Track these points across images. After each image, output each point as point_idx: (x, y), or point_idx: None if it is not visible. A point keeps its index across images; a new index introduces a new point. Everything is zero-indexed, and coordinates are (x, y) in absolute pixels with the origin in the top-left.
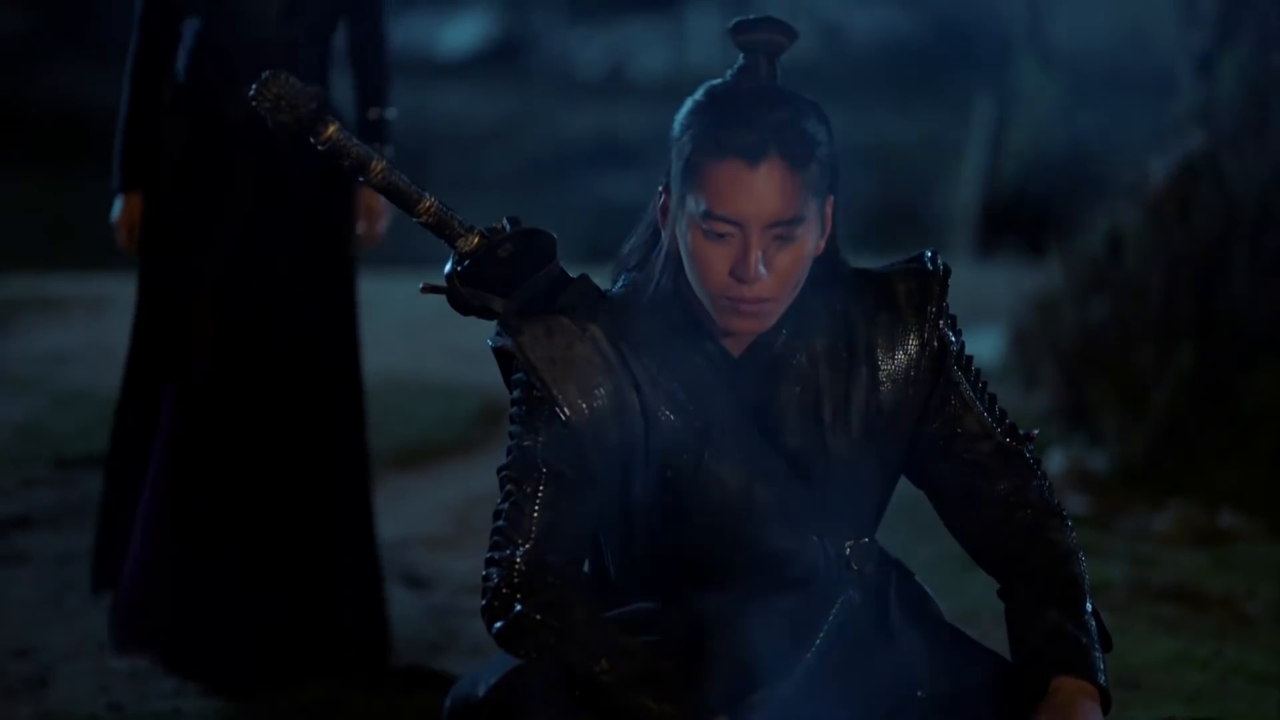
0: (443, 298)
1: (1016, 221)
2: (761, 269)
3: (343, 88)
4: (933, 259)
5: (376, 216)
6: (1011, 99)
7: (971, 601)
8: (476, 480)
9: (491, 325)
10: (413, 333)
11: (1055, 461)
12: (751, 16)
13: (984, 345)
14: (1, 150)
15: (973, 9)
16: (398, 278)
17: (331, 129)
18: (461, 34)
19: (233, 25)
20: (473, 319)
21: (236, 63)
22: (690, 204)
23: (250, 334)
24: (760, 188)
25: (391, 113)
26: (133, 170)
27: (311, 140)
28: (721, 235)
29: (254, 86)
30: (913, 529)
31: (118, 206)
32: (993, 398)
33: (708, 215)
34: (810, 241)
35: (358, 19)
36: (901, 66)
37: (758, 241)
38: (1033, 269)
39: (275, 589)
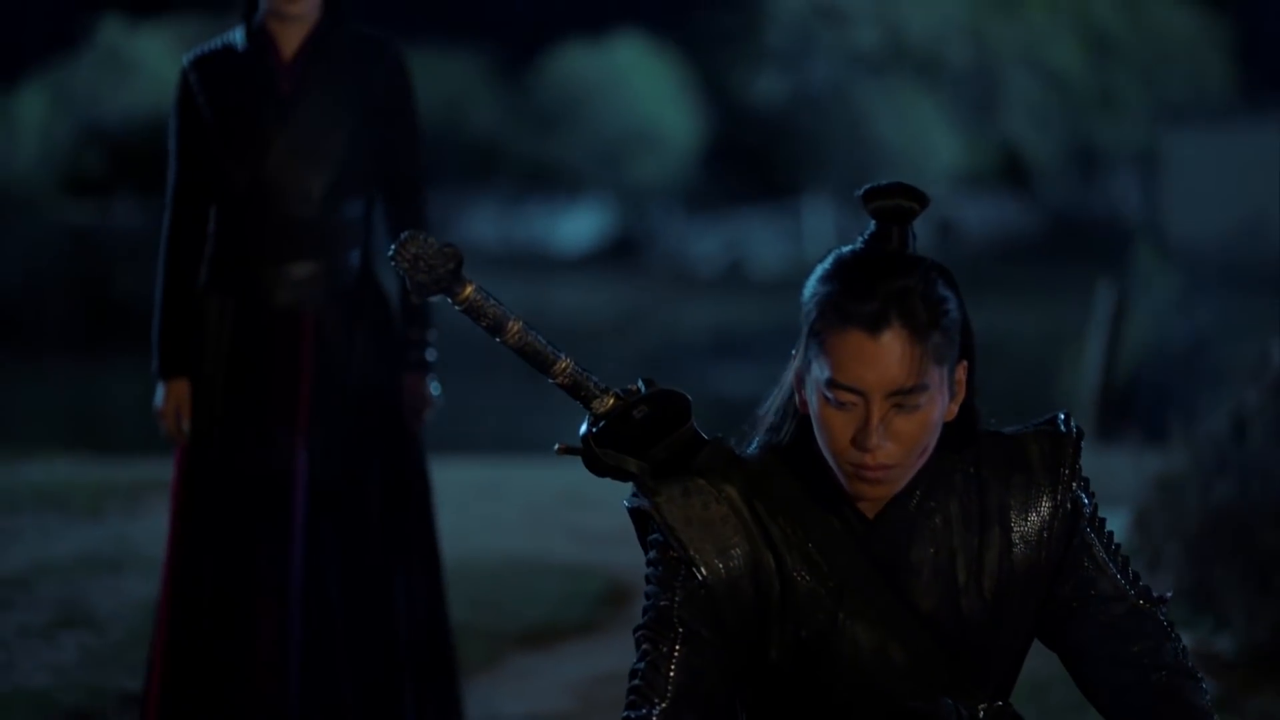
0: (566, 479)
1: (1135, 406)
2: (883, 438)
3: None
4: (1066, 421)
5: (424, 404)
6: (1130, 287)
7: None
8: (601, 659)
9: (626, 487)
10: (535, 516)
11: None
12: (883, 183)
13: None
14: (124, 340)
15: (1086, 203)
16: (518, 464)
17: (469, 289)
18: (579, 229)
19: (275, 205)
20: (595, 503)
21: (280, 243)
22: (815, 371)
23: (328, 529)
24: (881, 357)
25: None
26: (172, 355)
27: (450, 300)
28: (844, 403)
29: (392, 246)
30: (1040, 711)
31: (160, 393)
32: (1126, 559)
33: (830, 383)
34: (936, 408)
35: (396, 200)
36: (1016, 259)
37: (879, 410)
38: (1154, 453)
39: None
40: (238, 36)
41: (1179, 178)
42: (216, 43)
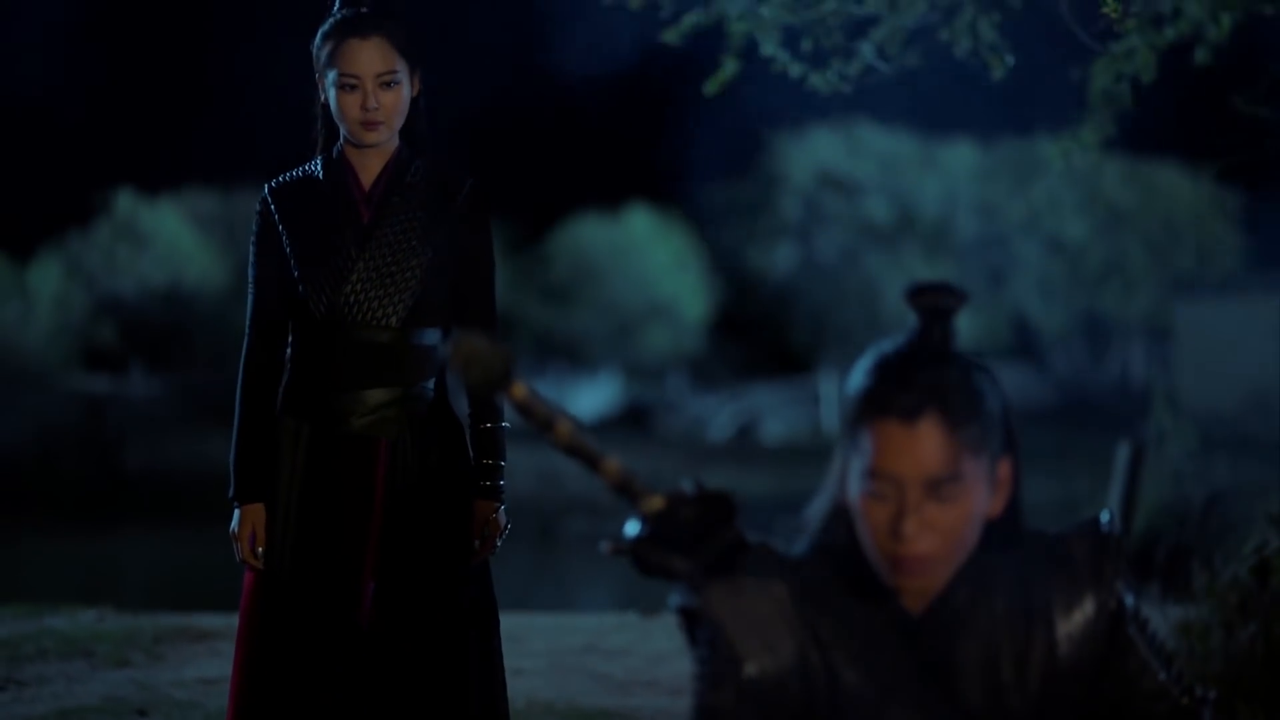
0: (587, 629)
1: (1154, 561)
2: (920, 528)
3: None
4: (1109, 522)
5: (495, 530)
6: (1146, 445)
7: None
8: None
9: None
10: (557, 663)
11: None
12: (925, 281)
13: None
14: (136, 507)
15: (1095, 372)
16: (542, 612)
17: (520, 388)
18: (592, 399)
19: (353, 331)
20: (617, 651)
21: (357, 369)
22: (856, 463)
23: (394, 654)
24: (917, 446)
25: (504, 425)
26: (247, 481)
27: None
28: (883, 494)
29: (448, 347)
30: None
31: (236, 517)
32: (1170, 657)
33: (869, 473)
34: (975, 501)
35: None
36: (1026, 428)
37: (915, 499)
38: (1175, 604)
39: None
40: (317, 165)
41: (1190, 348)
42: (296, 171)
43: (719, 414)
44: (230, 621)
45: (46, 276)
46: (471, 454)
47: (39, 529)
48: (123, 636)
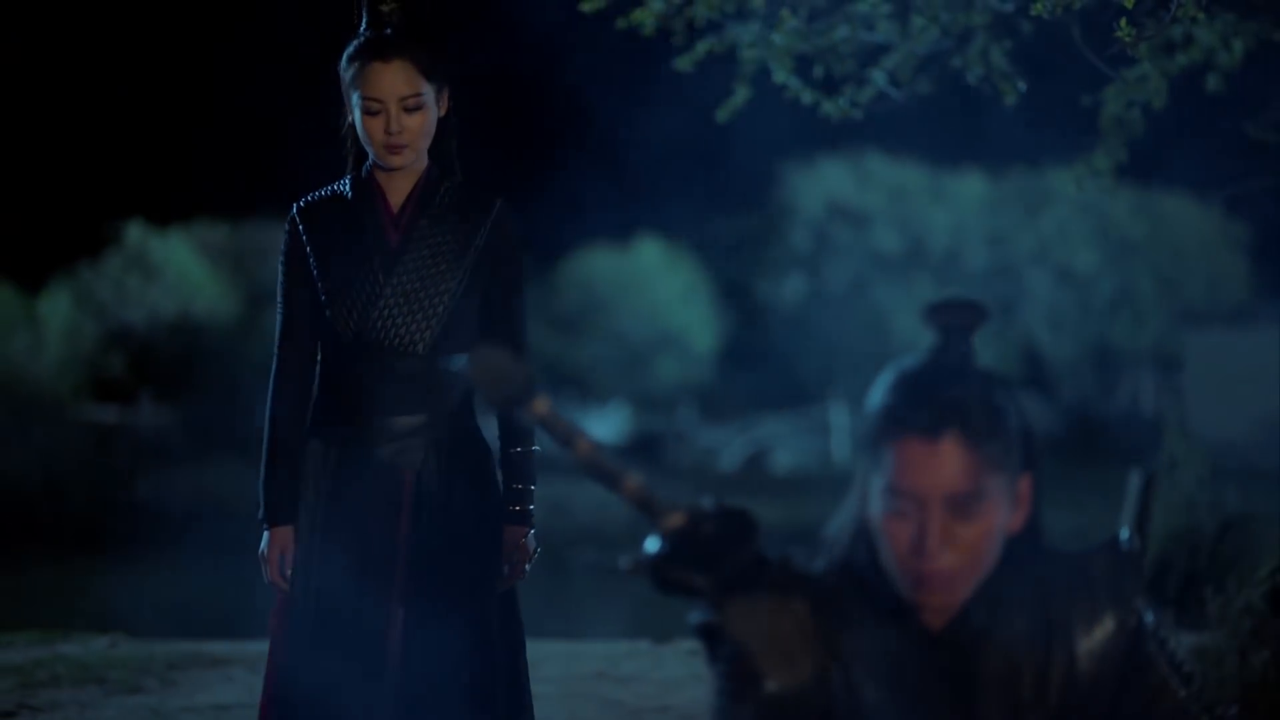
0: (599, 657)
1: (1166, 588)
2: (942, 545)
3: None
4: (1129, 540)
5: (524, 555)
6: (1158, 473)
7: None
8: None
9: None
10: (570, 690)
11: None
12: (945, 298)
13: None
14: (145, 538)
15: (1104, 402)
16: (553, 639)
17: (540, 403)
18: (602, 429)
19: (380, 356)
20: (629, 678)
21: (384, 395)
22: (876, 480)
23: (421, 680)
24: (938, 464)
25: (536, 450)
26: (277, 503)
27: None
28: (904, 511)
29: (469, 362)
30: None
31: (265, 540)
32: (1189, 675)
33: (890, 490)
34: (997, 518)
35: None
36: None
37: (937, 516)
38: (1188, 631)
39: None
40: (346, 185)
41: (1200, 377)
42: (325, 191)
43: (729, 444)
44: (243, 648)
45: (56, 307)
46: (501, 479)
47: (49, 558)
48: (136, 663)
